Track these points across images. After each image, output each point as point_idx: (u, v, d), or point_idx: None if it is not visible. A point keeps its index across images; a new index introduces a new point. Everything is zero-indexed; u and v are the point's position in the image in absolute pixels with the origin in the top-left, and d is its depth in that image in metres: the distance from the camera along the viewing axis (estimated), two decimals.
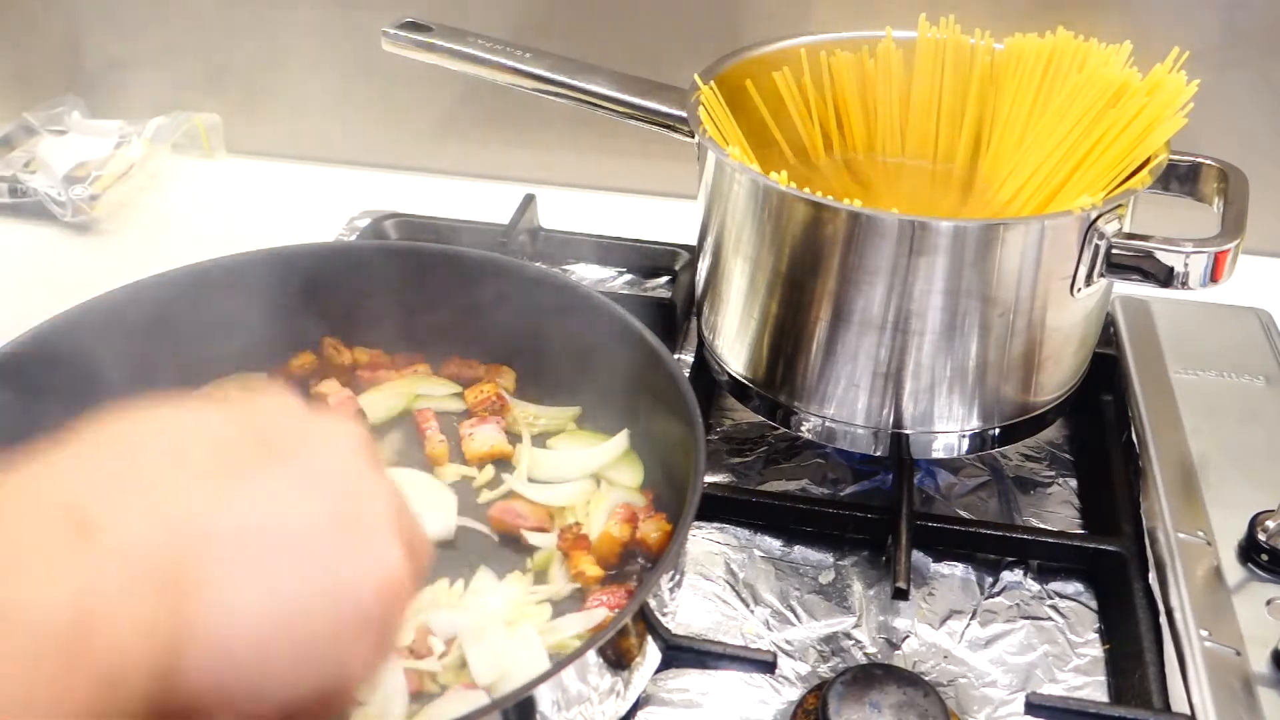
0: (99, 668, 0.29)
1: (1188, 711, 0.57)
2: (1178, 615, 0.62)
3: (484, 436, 0.72)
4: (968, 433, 0.69)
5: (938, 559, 0.70)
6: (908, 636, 0.65)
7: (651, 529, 0.65)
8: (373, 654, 0.36)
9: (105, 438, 0.34)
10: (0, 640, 0.28)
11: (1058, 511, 0.75)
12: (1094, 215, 0.62)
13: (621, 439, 0.71)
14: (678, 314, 0.85)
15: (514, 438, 0.73)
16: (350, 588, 0.35)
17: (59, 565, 0.30)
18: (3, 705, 0.27)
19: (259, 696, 0.33)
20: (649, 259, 0.95)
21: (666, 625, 0.57)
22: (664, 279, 0.95)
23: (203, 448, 0.35)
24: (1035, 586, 0.69)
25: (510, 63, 0.80)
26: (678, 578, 0.60)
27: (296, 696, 0.34)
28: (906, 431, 0.68)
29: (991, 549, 0.70)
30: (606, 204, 1.07)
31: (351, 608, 0.35)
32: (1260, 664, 0.59)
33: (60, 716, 0.28)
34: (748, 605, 0.67)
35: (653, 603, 0.55)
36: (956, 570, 0.70)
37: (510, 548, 0.67)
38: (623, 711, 0.56)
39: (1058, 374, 0.70)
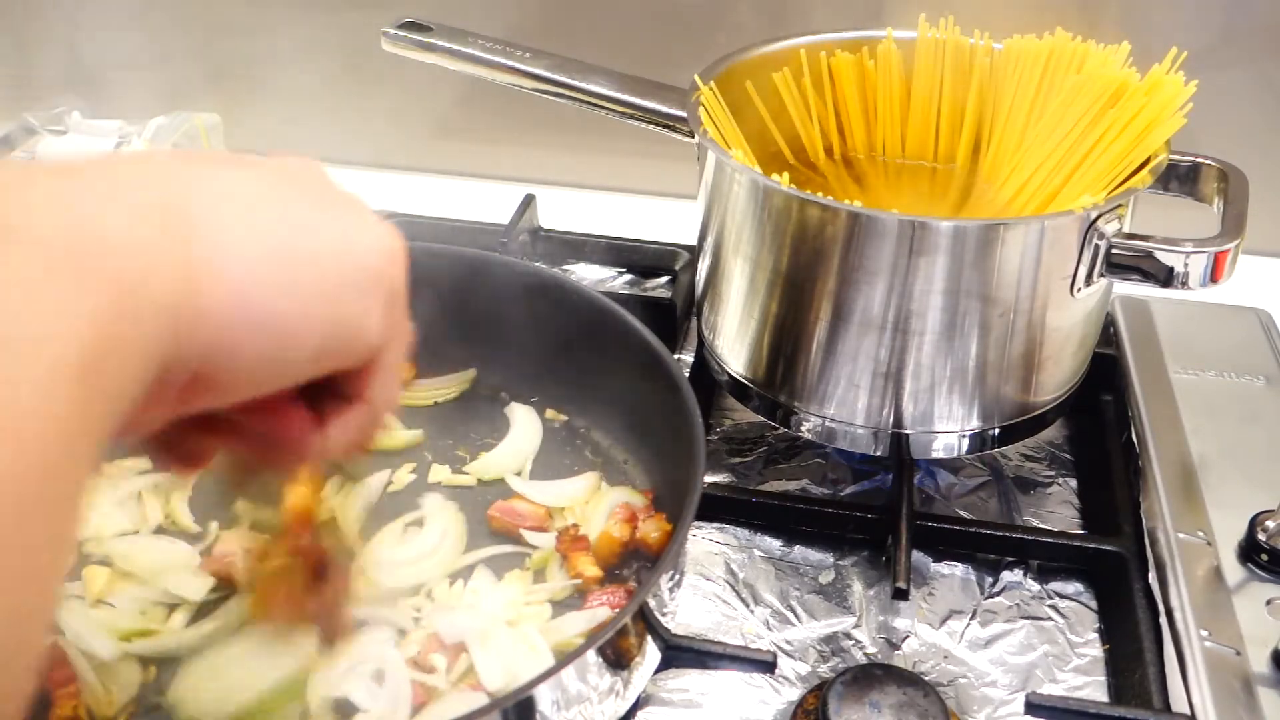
0: (117, 272, 0.27)
1: (1188, 711, 0.57)
2: (1178, 615, 0.62)
3: None
4: (968, 433, 0.69)
5: (938, 559, 0.70)
6: (908, 636, 0.65)
7: (652, 529, 0.65)
8: (383, 313, 0.36)
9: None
10: (8, 251, 0.26)
11: (1058, 511, 0.75)
12: (1094, 215, 0.62)
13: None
14: (678, 314, 0.85)
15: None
16: (357, 245, 0.35)
17: (59, 198, 0.28)
18: (15, 313, 0.24)
19: (280, 328, 0.32)
20: (649, 259, 0.95)
21: (666, 625, 0.57)
22: (664, 279, 0.95)
23: (184, 156, 0.36)
24: (1035, 586, 0.69)
25: (510, 63, 0.80)
26: (678, 578, 0.60)
27: (317, 343, 0.34)
28: (906, 431, 0.68)
29: (991, 549, 0.70)
30: (606, 204, 1.07)
31: (360, 261, 0.35)
32: (1260, 664, 0.59)
33: (84, 323, 0.26)
34: (748, 605, 0.67)
35: (653, 603, 0.55)
36: (956, 570, 0.70)
37: (509, 547, 0.67)
38: (622, 711, 0.56)
39: (1058, 374, 0.70)
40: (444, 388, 0.77)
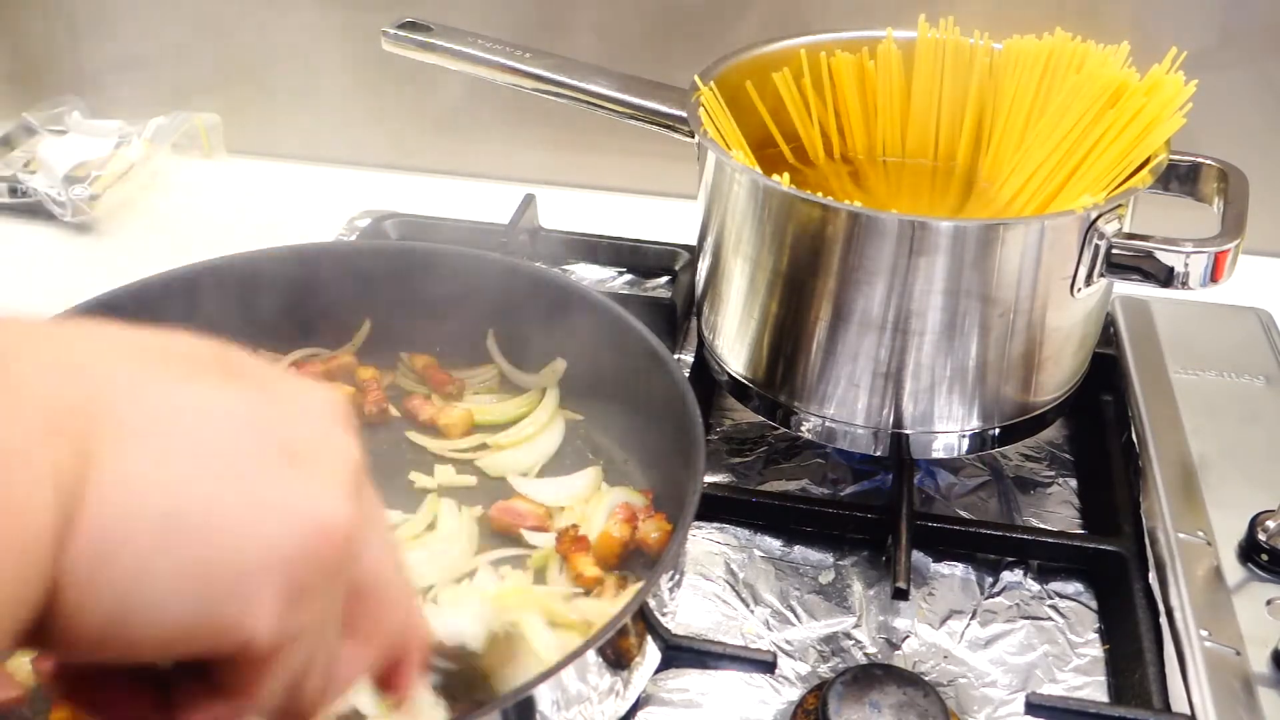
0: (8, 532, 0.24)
1: (1188, 711, 0.57)
2: (1178, 615, 0.62)
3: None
4: (968, 433, 0.69)
5: (938, 559, 0.70)
6: (908, 636, 0.65)
7: (652, 529, 0.65)
8: (277, 611, 0.29)
9: (72, 327, 0.30)
10: None
11: (1058, 511, 0.75)
12: (1094, 215, 0.62)
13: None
14: (678, 314, 0.85)
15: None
16: (270, 522, 0.29)
17: None
18: None
19: (135, 616, 0.27)
20: (649, 259, 0.95)
21: (666, 625, 0.57)
22: (664, 279, 0.95)
23: (147, 347, 0.30)
24: (1035, 586, 0.69)
25: (510, 63, 0.80)
26: (678, 578, 0.60)
27: (178, 631, 0.28)
28: (906, 431, 0.68)
29: (991, 549, 0.70)
30: (606, 204, 1.07)
31: (265, 543, 0.29)
32: (1260, 664, 0.59)
33: None
34: (748, 605, 0.67)
35: (653, 603, 0.55)
36: (956, 570, 0.70)
37: (516, 550, 0.67)
38: (622, 711, 0.56)
39: (1058, 374, 0.70)
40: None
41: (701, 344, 0.78)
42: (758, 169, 0.66)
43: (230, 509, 0.28)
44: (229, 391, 0.30)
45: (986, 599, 0.68)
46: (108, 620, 0.27)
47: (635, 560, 0.65)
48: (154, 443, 0.27)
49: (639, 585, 0.62)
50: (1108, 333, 0.83)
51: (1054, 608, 0.67)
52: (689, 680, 0.62)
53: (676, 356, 0.77)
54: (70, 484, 0.26)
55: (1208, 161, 0.72)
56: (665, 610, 0.58)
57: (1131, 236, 0.63)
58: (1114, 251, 0.63)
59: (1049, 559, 0.70)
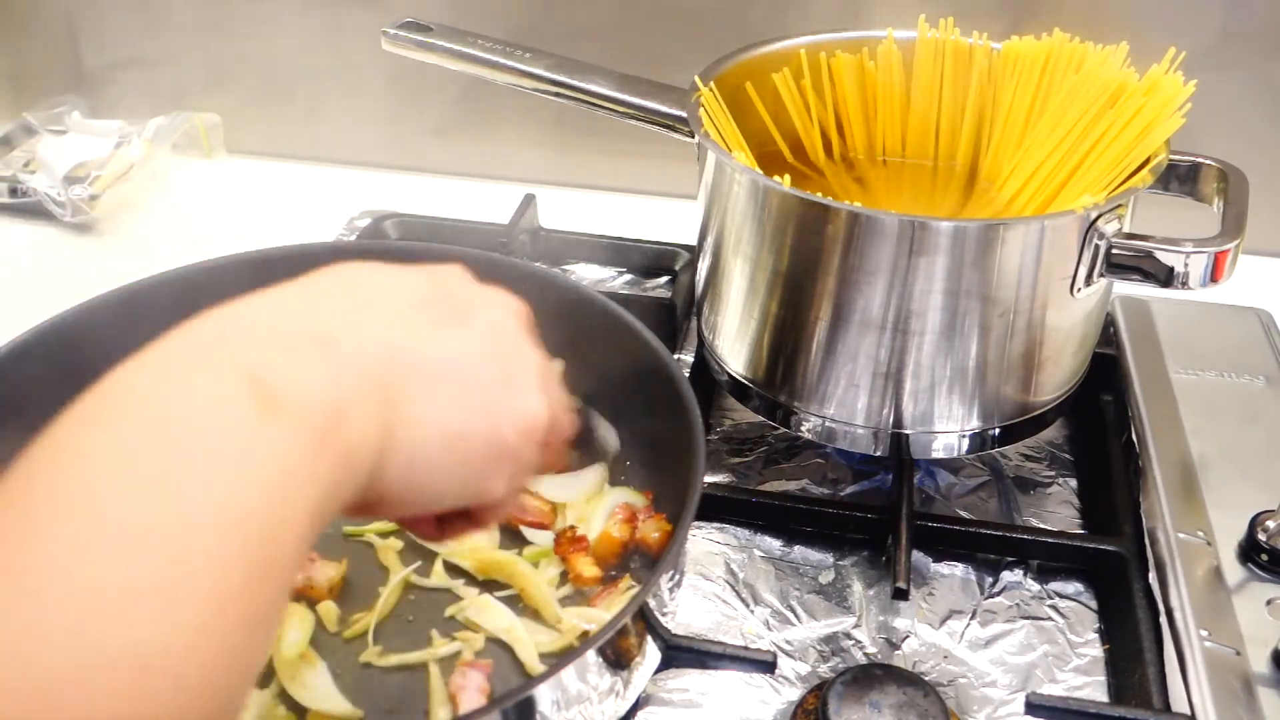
0: (343, 449, 0.36)
1: (1188, 711, 0.57)
2: (1178, 615, 0.62)
3: None
4: (968, 433, 0.69)
5: (938, 559, 0.70)
6: (908, 636, 0.65)
7: (651, 529, 0.65)
8: (510, 479, 0.44)
9: (321, 284, 0.42)
10: (272, 424, 0.33)
11: (1058, 511, 0.75)
12: (1094, 215, 0.62)
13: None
14: (678, 314, 0.85)
15: None
16: (501, 424, 0.43)
17: (312, 368, 0.36)
18: (284, 491, 0.33)
19: (426, 493, 0.41)
20: (649, 259, 0.95)
21: (666, 625, 0.57)
22: (664, 279, 0.95)
23: (406, 299, 0.42)
24: (1035, 586, 0.69)
25: (510, 63, 0.80)
26: (678, 578, 0.60)
27: (453, 500, 0.43)
28: (906, 431, 0.68)
29: (991, 549, 0.70)
30: (606, 204, 1.07)
31: (499, 439, 0.43)
32: (1260, 664, 0.59)
33: (309, 488, 0.34)
34: (748, 605, 0.67)
35: (653, 603, 0.55)
36: (956, 570, 0.70)
37: (507, 540, 0.67)
38: (623, 711, 0.56)
39: (1057, 374, 0.70)
40: None
41: (701, 344, 0.78)
42: (758, 169, 0.66)
43: (485, 426, 0.42)
44: (463, 339, 0.42)
45: (986, 599, 0.68)
46: (414, 498, 0.41)
47: (635, 560, 0.65)
48: (429, 390, 0.40)
49: (632, 587, 0.62)
50: (1108, 333, 0.83)
51: (1054, 608, 0.67)
52: (689, 680, 0.62)
53: (676, 356, 0.77)
54: (386, 420, 0.38)
55: (1208, 161, 0.72)
56: (665, 610, 0.58)
57: (1131, 236, 0.63)
58: (1114, 251, 0.63)
59: (1049, 559, 0.70)
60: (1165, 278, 0.63)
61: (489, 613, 0.62)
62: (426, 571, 0.65)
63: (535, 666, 0.59)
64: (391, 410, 0.39)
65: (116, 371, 0.34)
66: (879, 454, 0.70)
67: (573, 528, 0.66)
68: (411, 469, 0.40)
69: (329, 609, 0.62)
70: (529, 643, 0.60)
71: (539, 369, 0.46)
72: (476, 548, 0.65)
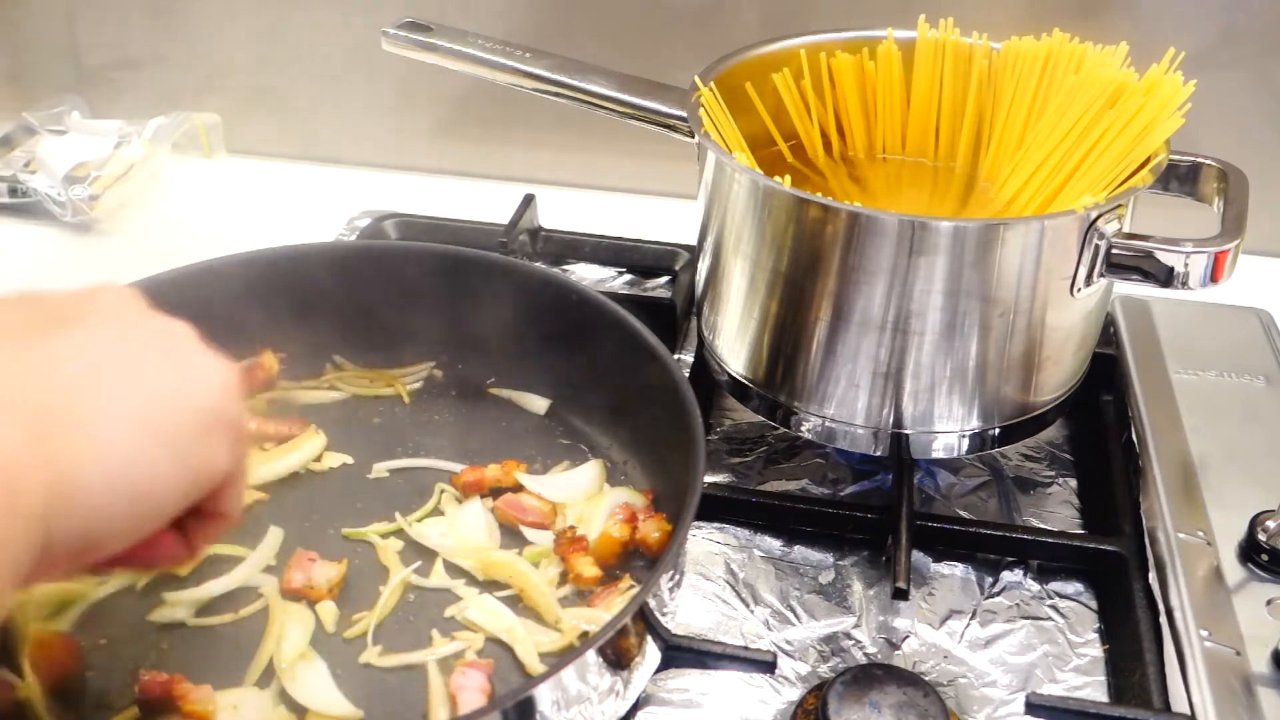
0: (25, 520, 0.32)
1: (1188, 711, 0.57)
2: (1178, 615, 0.62)
3: None
4: (968, 433, 0.69)
5: (938, 559, 0.70)
6: (908, 636, 0.65)
7: (652, 529, 0.65)
8: (230, 443, 0.40)
9: None
10: None
11: (1058, 511, 0.75)
12: (1094, 215, 0.62)
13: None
14: (678, 314, 0.85)
15: None
16: (194, 390, 0.39)
17: None
18: None
19: (144, 496, 0.37)
20: (649, 259, 0.95)
21: (666, 625, 0.57)
22: (664, 279, 0.95)
23: (11, 321, 0.38)
24: (1035, 586, 0.69)
25: (510, 63, 0.80)
26: (678, 578, 0.60)
27: (176, 490, 0.38)
28: (906, 431, 0.68)
29: (991, 549, 0.70)
30: (606, 204, 1.07)
31: (201, 406, 0.39)
32: (1260, 664, 0.59)
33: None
34: (748, 605, 0.67)
35: (653, 603, 0.55)
36: (956, 570, 0.70)
37: (508, 540, 0.67)
38: (623, 711, 0.56)
39: (1058, 374, 0.70)
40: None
41: (701, 344, 0.78)
42: (758, 169, 0.66)
43: (171, 396, 0.38)
44: (88, 334, 0.38)
45: (986, 599, 0.68)
46: (133, 517, 0.36)
47: (635, 560, 0.65)
48: (85, 391, 0.35)
49: (632, 587, 0.62)
50: (1108, 333, 0.83)
51: (1054, 608, 0.67)
52: (689, 680, 0.62)
53: (676, 356, 0.77)
54: (49, 446, 0.33)
55: (1208, 161, 0.72)
56: (665, 610, 0.58)
57: (1131, 236, 0.63)
58: (1114, 251, 0.63)
59: (1049, 559, 0.70)
60: (1165, 278, 0.63)
61: (489, 613, 0.62)
62: (426, 571, 0.65)
63: (536, 667, 0.59)
64: (39, 437, 0.34)
65: None
66: (879, 454, 0.70)
67: (572, 528, 0.66)
68: (108, 480, 0.35)
69: (329, 609, 0.62)
70: (529, 643, 0.60)
71: (185, 328, 0.42)
72: (479, 548, 0.65)
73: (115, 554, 0.39)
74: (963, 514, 0.74)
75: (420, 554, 0.65)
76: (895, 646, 0.65)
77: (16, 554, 0.32)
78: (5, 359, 0.35)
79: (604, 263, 0.96)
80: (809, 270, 0.65)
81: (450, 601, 0.63)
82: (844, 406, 0.68)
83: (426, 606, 0.63)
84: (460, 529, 0.67)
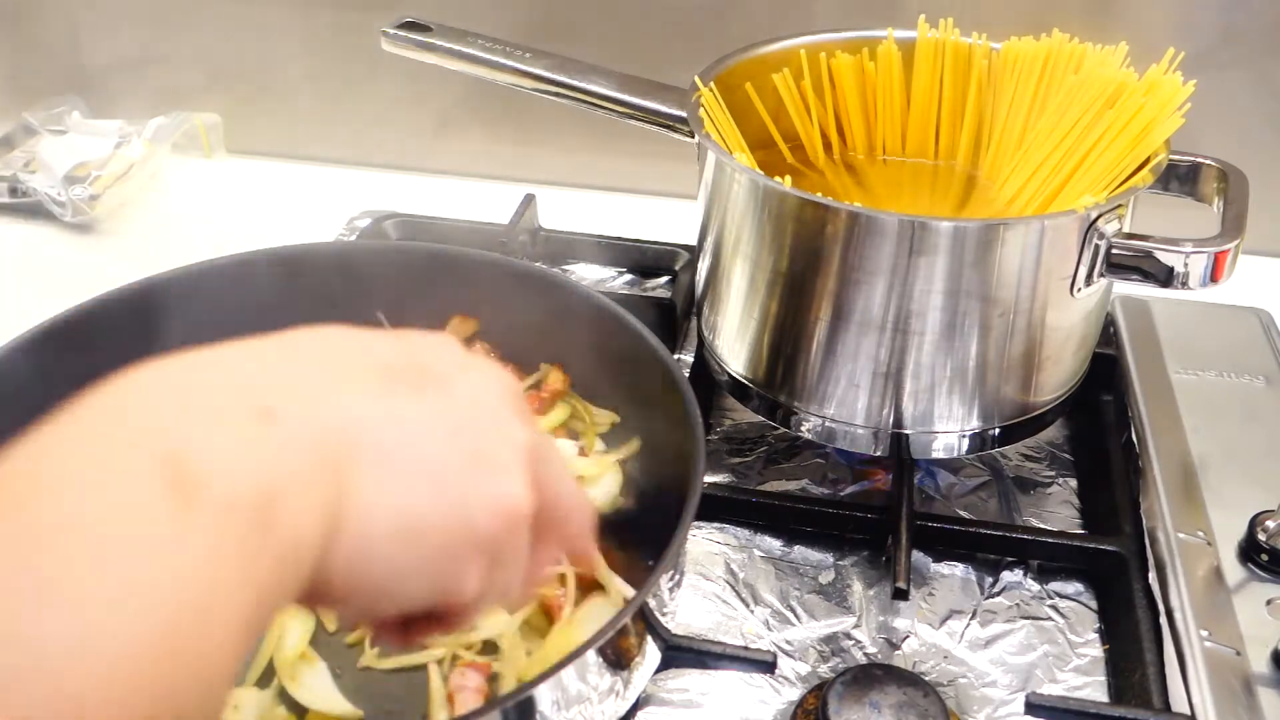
0: (279, 545, 0.31)
1: (1188, 711, 0.57)
2: (1178, 615, 0.62)
3: None
4: (968, 433, 0.69)
5: (938, 559, 0.70)
6: (908, 636, 0.65)
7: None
8: (484, 575, 0.38)
9: (281, 342, 0.37)
10: (191, 513, 0.29)
11: (1058, 511, 0.75)
12: (1094, 215, 0.62)
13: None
14: (678, 314, 0.85)
15: None
16: (475, 510, 0.37)
17: (245, 444, 0.31)
18: (190, 580, 0.28)
19: (384, 593, 0.36)
20: (649, 259, 0.95)
21: (666, 625, 0.57)
22: (664, 279, 0.95)
23: (369, 364, 0.37)
24: (1035, 586, 0.69)
25: (510, 63, 0.80)
26: (678, 578, 0.60)
27: (414, 599, 0.38)
28: (906, 431, 0.68)
29: (991, 549, 0.70)
30: (606, 204, 1.07)
31: (468, 529, 0.37)
32: (1260, 664, 0.59)
33: (241, 591, 0.30)
34: (748, 605, 0.67)
35: (653, 603, 0.55)
36: (956, 570, 0.70)
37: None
38: (623, 711, 0.56)
39: (1058, 374, 0.70)
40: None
41: (701, 344, 0.78)
42: (758, 169, 0.66)
43: (450, 509, 0.36)
44: (430, 409, 0.37)
45: (986, 599, 0.68)
46: (369, 592, 0.36)
47: (636, 560, 0.65)
48: (384, 468, 0.35)
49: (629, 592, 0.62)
50: (1108, 333, 0.83)
51: (1054, 608, 0.67)
52: (689, 680, 0.62)
53: (676, 356, 0.77)
54: (331, 504, 0.33)
55: (1208, 161, 0.72)
56: (665, 610, 0.58)
57: (1131, 236, 0.63)
58: (1114, 251, 0.63)
59: (1049, 559, 0.70)
60: (1165, 278, 0.63)
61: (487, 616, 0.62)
62: None
63: (509, 685, 0.58)
64: (339, 493, 0.34)
65: (27, 443, 0.30)
66: (879, 454, 0.70)
67: None
68: (362, 561, 0.35)
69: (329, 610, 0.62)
70: (515, 658, 0.59)
71: (524, 446, 0.39)
72: None
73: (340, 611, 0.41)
74: (963, 514, 0.74)
75: None
76: (895, 646, 0.65)
77: (289, 585, 0.32)
78: (355, 400, 0.35)
79: (604, 263, 0.96)
80: (809, 270, 0.65)
81: None
82: (844, 406, 0.68)
83: None
84: None
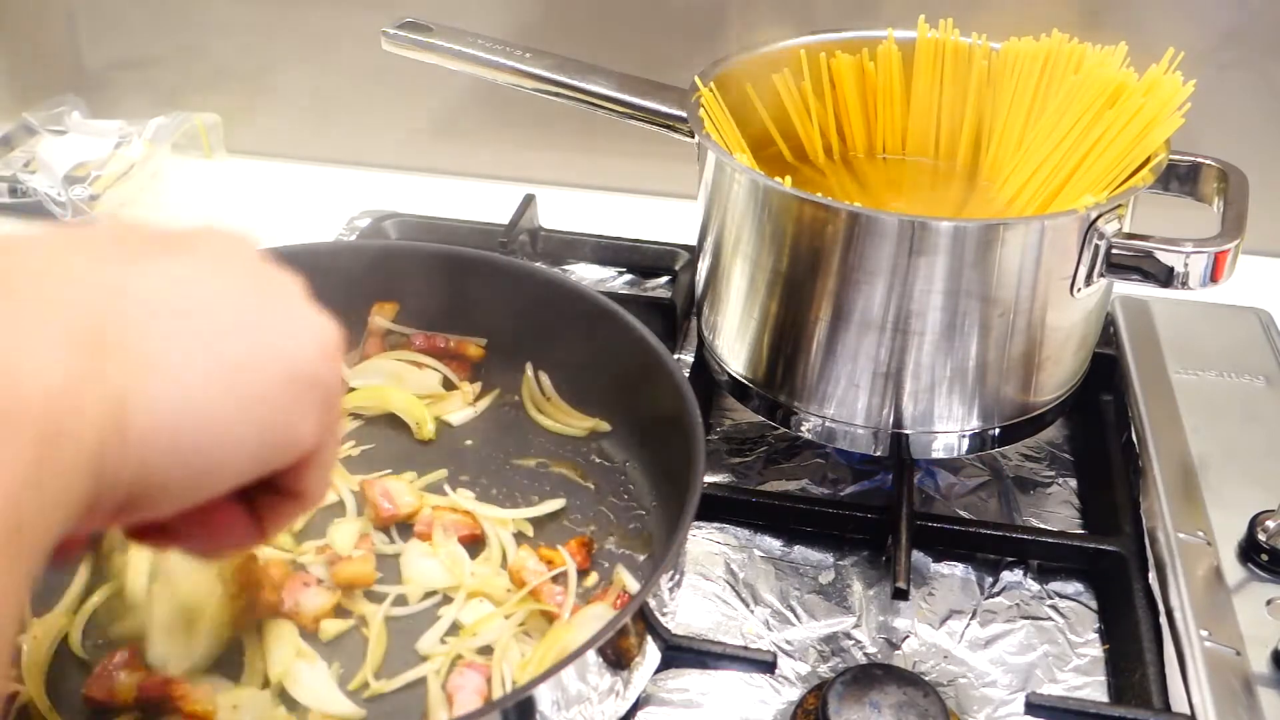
0: (33, 425, 0.27)
1: (1188, 711, 0.57)
2: (1178, 615, 0.62)
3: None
4: (968, 433, 0.69)
5: (938, 559, 0.70)
6: (908, 636, 0.65)
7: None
8: (320, 414, 0.36)
9: (32, 239, 0.32)
10: None
11: (1058, 511, 0.75)
12: (1094, 215, 0.62)
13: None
14: (678, 314, 0.85)
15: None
16: (291, 348, 0.34)
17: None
18: None
19: (213, 458, 0.32)
20: (649, 259, 0.95)
21: (666, 625, 0.57)
22: (664, 279, 0.95)
23: (91, 244, 0.33)
24: (1035, 586, 0.69)
25: (510, 63, 0.80)
26: (678, 578, 0.60)
27: (251, 457, 0.34)
28: (906, 431, 0.68)
29: (991, 549, 0.70)
30: (606, 204, 1.07)
31: (294, 367, 0.34)
32: (1260, 664, 0.59)
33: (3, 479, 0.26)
34: (748, 605, 0.67)
35: (653, 603, 0.55)
36: (956, 570, 0.70)
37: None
38: (623, 711, 0.56)
39: (1058, 374, 0.70)
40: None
41: (701, 344, 0.78)
42: (758, 169, 0.66)
43: (263, 349, 0.33)
44: (195, 263, 0.34)
45: (986, 599, 0.68)
46: (192, 477, 0.32)
47: (634, 560, 0.65)
48: (173, 323, 0.31)
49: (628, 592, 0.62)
50: (1108, 333, 0.83)
51: (1054, 608, 0.67)
52: (689, 680, 0.62)
53: (676, 356, 0.77)
54: (109, 383, 0.29)
55: (1208, 161, 0.72)
56: (665, 610, 0.58)
57: (1131, 236, 0.63)
58: (1114, 251, 0.63)
59: (1049, 559, 0.70)
60: (1165, 278, 0.63)
61: (480, 618, 0.62)
62: (404, 600, 0.63)
63: (499, 690, 0.58)
64: (111, 363, 0.30)
65: None
66: (879, 454, 0.70)
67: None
68: (175, 428, 0.31)
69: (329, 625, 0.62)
70: (506, 663, 0.59)
71: (297, 287, 0.38)
72: (450, 584, 0.64)
73: (175, 526, 0.36)
74: (963, 514, 0.74)
75: (391, 580, 0.64)
76: (895, 646, 0.65)
77: (61, 491, 0.28)
78: (76, 276, 0.31)
79: (604, 263, 0.96)
80: (809, 270, 0.65)
81: (435, 618, 0.62)
82: (844, 406, 0.68)
83: (415, 630, 0.62)
84: (417, 571, 0.65)
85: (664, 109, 0.76)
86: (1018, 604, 0.68)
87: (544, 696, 0.49)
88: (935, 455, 0.70)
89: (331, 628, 0.61)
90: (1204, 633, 0.60)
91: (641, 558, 0.66)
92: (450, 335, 0.78)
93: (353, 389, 0.76)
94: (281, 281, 0.37)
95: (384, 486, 0.68)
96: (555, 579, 0.63)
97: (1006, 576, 0.69)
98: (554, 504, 0.69)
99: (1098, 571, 0.69)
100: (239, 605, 0.60)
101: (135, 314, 0.31)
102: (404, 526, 0.67)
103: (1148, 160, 0.67)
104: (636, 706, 0.60)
